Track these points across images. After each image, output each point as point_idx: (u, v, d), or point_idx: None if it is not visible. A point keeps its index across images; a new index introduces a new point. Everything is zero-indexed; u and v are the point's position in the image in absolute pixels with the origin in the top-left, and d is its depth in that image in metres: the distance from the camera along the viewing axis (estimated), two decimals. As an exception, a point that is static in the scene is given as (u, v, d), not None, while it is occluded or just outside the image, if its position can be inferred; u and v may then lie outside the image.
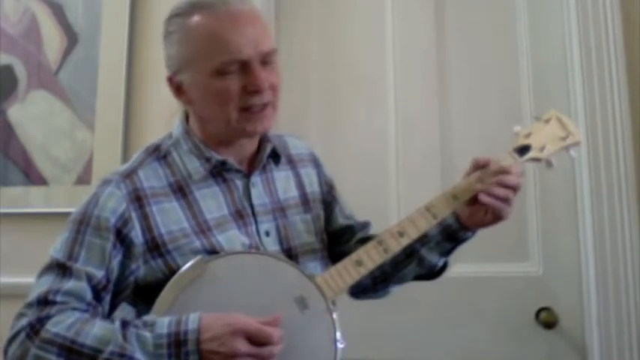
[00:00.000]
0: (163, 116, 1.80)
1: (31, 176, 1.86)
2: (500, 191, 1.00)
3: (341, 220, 1.20)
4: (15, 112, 1.91)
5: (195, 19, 0.98)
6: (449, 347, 1.59)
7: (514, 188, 1.01)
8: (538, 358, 1.58)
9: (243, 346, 0.83)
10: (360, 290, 1.16)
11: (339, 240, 1.18)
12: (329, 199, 1.20)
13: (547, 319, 1.58)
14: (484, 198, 1.00)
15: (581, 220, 1.59)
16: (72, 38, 1.89)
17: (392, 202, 1.71)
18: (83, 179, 1.82)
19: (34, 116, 1.89)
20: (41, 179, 1.85)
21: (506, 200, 1.01)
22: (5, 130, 1.90)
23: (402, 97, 1.75)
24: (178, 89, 1.03)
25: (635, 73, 1.58)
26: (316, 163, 1.21)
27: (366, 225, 1.21)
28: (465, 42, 1.75)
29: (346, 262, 0.99)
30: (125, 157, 1.79)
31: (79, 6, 1.90)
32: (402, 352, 1.58)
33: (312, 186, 1.16)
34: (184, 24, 0.99)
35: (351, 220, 1.21)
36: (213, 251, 0.96)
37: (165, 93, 1.79)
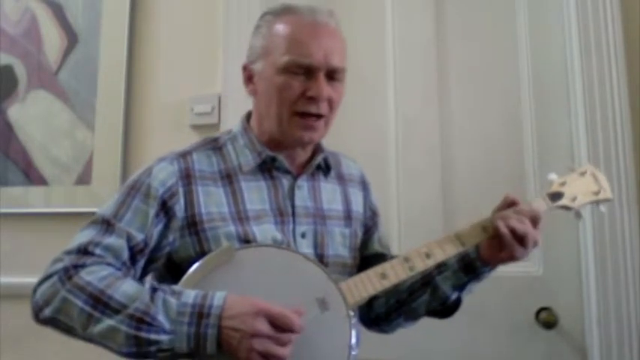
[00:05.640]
0: (163, 116, 1.80)
1: (31, 176, 1.86)
2: (519, 225, 0.99)
3: (377, 247, 1.20)
4: (15, 112, 1.91)
5: (283, 19, 1.06)
6: (449, 347, 1.59)
7: (527, 232, 0.99)
8: (538, 358, 1.58)
9: (264, 326, 0.85)
10: (373, 319, 1.17)
11: (368, 266, 1.17)
12: (370, 224, 1.21)
13: (547, 319, 1.57)
14: (501, 227, 0.99)
15: (581, 221, 1.58)
16: (72, 38, 1.89)
17: (392, 202, 1.71)
18: (83, 179, 1.82)
19: (34, 116, 1.89)
20: (41, 179, 1.85)
21: (520, 238, 0.99)
22: (5, 130, 1.90)
23: (402, 96, 1.75)
24: (249, 78, 1.10)
25: (635, 73, 1.58)
26: (364, 187, 1.23)
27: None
28: (465, 42, 1.74)
29: (370, 273, 1.00)
30: (125, 157, 1.79)
31: (79, 6, 1.90)
32: (402, 352, 1.58)
33: (357, 206, 1.18)
34: (272, 21, 1.07)
35: (386, 250, 1.21)
36: (245, 239, 0.99)
37: (166, 93, 1.81)
